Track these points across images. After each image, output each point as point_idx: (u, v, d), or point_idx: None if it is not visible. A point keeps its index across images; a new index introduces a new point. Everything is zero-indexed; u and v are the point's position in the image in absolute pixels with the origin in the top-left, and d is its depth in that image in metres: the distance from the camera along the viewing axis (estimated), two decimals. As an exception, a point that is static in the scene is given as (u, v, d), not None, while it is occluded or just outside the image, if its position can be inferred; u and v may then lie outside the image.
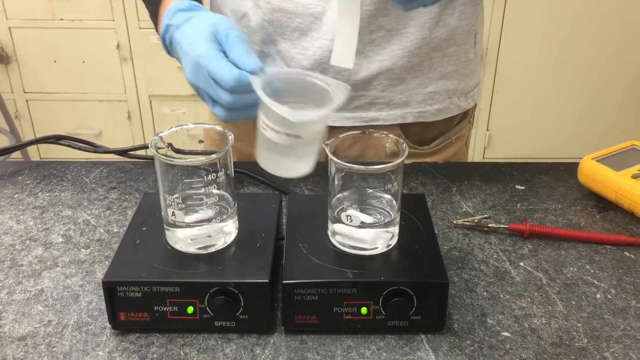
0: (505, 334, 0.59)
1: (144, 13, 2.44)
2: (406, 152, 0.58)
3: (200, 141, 0.79)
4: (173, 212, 0.59)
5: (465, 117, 0.96)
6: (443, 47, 0.86)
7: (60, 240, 0.72)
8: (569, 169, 0.85)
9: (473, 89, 0.94)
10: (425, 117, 0.89)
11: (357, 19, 0.65)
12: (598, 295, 0.64)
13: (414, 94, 0.87)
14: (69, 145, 0.86)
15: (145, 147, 0.86)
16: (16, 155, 2.20)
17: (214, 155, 0.58)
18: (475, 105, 0.98)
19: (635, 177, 0.76)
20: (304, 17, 0.81)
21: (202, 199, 0.60)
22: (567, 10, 2.35)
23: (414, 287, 0.57)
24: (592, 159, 0.80)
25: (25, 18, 2.33)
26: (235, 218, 0.63)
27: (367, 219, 0.60)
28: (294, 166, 0.62)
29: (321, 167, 0.87)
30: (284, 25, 0.82)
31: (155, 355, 0.57)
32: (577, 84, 2.48)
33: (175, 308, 0.58)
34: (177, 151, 0.62)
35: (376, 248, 0.61)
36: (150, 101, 2.47)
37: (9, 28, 2.37)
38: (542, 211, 0.77)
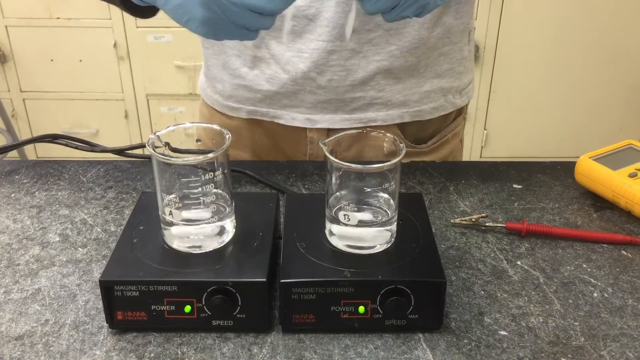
0: (503, 332, 0.59)
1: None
2: (403, 152, 0.58)
3: (198, 140, 0.79)
4: (170, 211, 0.59)
5: (460, 114, 0.97)
6: (439, 46, 0.86)
7: (57, 239, 0.72)
8: (566, 168, 0.86)
9: (467, 86, 0.95)
10: (421, 115, 0.89)
11: None
12: (595, 294, 0.64)
13: (411, 93, 0.87)
14: (66, 145, 0.86)
15: (142, 146, 0.86)
16: (13, 154, 2.19)
17: (211, 154, 0.58)
18: (469, 101, 0.98)
19: (632, 176, 0.76)
20: (297, 20, 0.81)
21: (199, 198, 0.59)
22: (564, 10, 2.35)
23: (412, 286, 0.57)
24: (589, 158, 0.80)
25: (22, 17, 2.33)
26: (233, 217, 0.63)
27: (365, 218, 0.60)
28: None
29: (319, 166, 0.87)
30: (277, 28, 0.82)
31: (152, 355, 0.57)
32: (575, 83, 2.48)
33: (173, 307, 0.58)
34: (175, 150, 0.62)
35: (374, 247, 0.61)
36: (148, 100, 2.47)
37: (6, 27, 2.36)
38: (539, 210, 0.78)
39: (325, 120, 0.87)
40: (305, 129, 0.89)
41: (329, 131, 0.88)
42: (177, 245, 0.61)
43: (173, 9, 0.63)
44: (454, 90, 0.91)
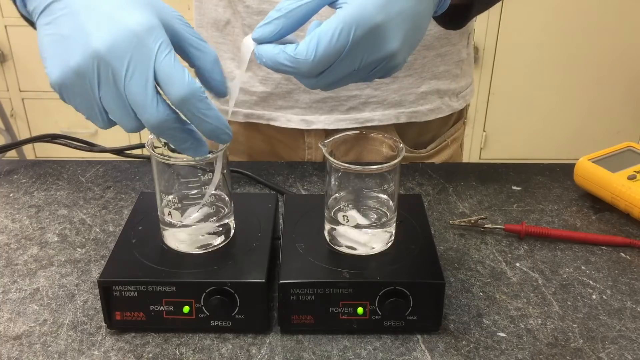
0: (501, 334, 0.59)
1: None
2: (403, 153, 0.58)
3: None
4: (169, 211, 0.59)
5: (460, 118, 0.97)
6: (437, 46, 0.86)
7: (56, 239, 0.72)
8: (565, 170, 0.86)
9: (465, 89, 0.95)
10: (417, 117, 0.89)
11: None
12: (594, 296, 0.64)
13: (407, 93, 0.87)
14: (64, 144, 0.86)
15: (141, 146, 0.86)
16: (11, 154, 2.20)
17: (210, 155, 0.58)
18: (468, 105, 0.98)
19: (631, 178, 0.76)
20: None
21: (198, 199, 0.59)
22: (564, 12, 2.35)
23: (410, 287, 0.57)
24: (588, 160, 0.80)
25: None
26: (232, 218, 0.63)
27: (364, 219, 0.60)
28: None
29: (318, 167, 0.87)
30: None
31: (150, 355, 0.56)
32: (574, 86, 2.48)
33: (171, 307, 0.57)
34: (174, 150, 0.62)
35: (373, 248, 0.61)
36: (147, 100, 2.47)
37: (5, 26, 2.36)
38: (538, 212, 0.78)
39: (320, 121, 0.87)
40: (302, 133, 0.88)
41: (326, 132, 0.88)
42: (175, 245, 0.61)
43: (42, 48, 0.55)
44: (450, 92, 0.91)
